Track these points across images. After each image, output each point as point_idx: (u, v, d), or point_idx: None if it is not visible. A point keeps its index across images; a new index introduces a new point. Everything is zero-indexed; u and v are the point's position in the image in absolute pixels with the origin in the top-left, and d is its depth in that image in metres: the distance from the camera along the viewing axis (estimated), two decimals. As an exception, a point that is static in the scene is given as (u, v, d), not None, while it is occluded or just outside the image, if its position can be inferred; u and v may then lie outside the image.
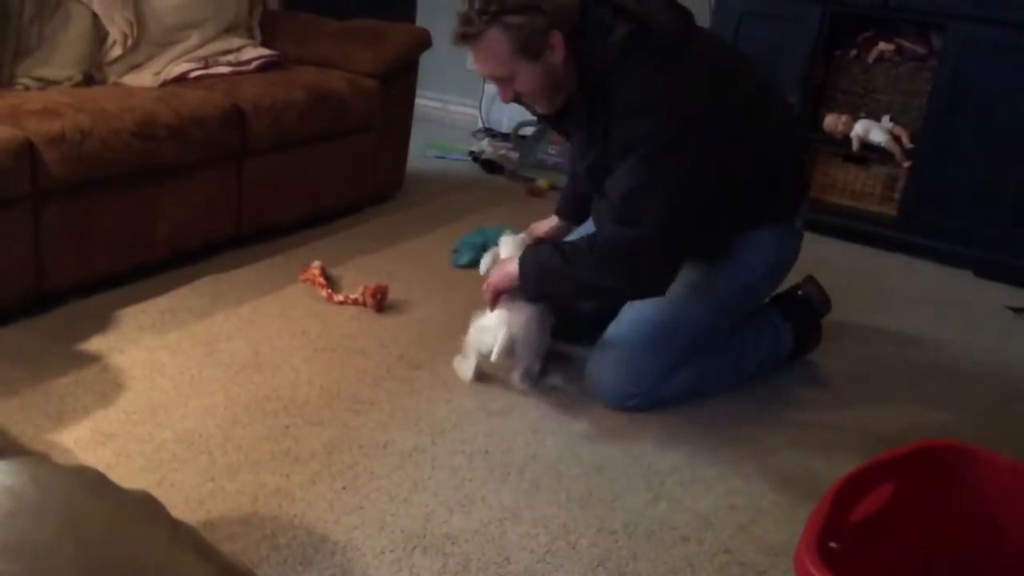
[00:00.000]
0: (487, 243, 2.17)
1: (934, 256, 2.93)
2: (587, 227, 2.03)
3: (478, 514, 1.48)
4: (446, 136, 4.01)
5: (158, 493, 1.12)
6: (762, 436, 1.81)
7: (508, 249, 1.96)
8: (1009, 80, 2.68)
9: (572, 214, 2.13)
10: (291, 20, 3.06)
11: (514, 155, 3.65)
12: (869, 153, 2.99)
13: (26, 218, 1.93)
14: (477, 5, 1.60)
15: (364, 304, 2.20)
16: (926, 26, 2.89)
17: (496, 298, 1.85)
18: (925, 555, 1.25)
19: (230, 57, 2.74)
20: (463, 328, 1.90)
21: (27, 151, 1.89)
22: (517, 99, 1.79)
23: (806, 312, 2.07)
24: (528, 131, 3.69)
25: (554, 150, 3.51)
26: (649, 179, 1.64)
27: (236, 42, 2.81)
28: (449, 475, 1.58)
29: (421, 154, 3.57)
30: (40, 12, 2.41)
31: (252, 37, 2.91)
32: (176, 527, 1.09)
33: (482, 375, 1.91)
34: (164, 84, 2.54)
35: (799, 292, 2.09)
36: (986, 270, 2.84)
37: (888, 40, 2.95)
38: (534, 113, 1.97)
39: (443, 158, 3.71)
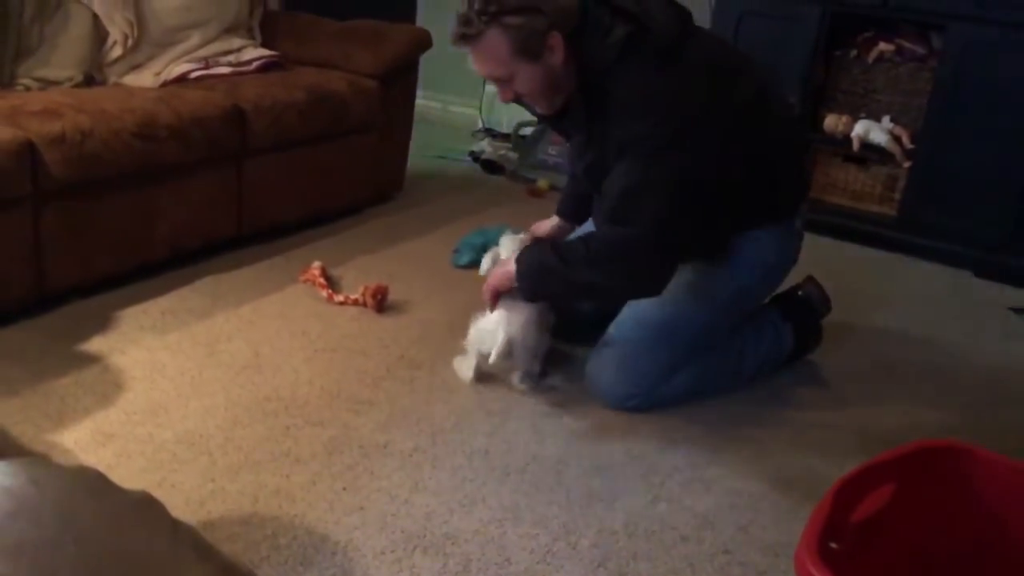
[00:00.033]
0: (487, 243, 2.17)
1: (934, 256, 2.93)
2: (588, 227, 2.03)
3: (478, 514, 1.48)
4: (446, 136, 4.01)
5: (158, 494, 1.12)
6: (762, 436, 1.81)
7: (508, 249, 1.96)
8: (1009, 80, 2.68)
9: (573, 214, 2.13)
10: (291, 21, 3.06)
11: (514, 155, 3.65)
12: (869, 153, 2.98)
13: (27, 219, 1.93)
14: (476, 6, 1.61)
15: (364, 304, 2.20)
16: (926, 26, 2.89)
17: (495, 298, 1.85)
18: (925, 555, 1.25)
19: (230, 58, 2.74)
20: (463, 328, 1.91)
21: (28, 152, 1.89)
22: (517, 99, 1.80)
23: (806, 312, 2.07)
24: (528, 131, 3.69)
25: (554, 150, 3.51)
26: (646, 179, 1.64)
27: (236, 43, 2.81)
28: (449, 475, 1.58)
29: (421, 154, 3.57)
30: (40, 12, 2.42)
31: (252, 38, 2.91)
32: (176, 528, 1.09)
33: (482, 375, 1.91)
34: (164, 84, 2.54)
35: (799, 292, 2.09)
36: (986, 270, 2.84)
37: (888, 40, 2.95)
38: (534, 113, 1.97)
39: (443, 159, 3.71)
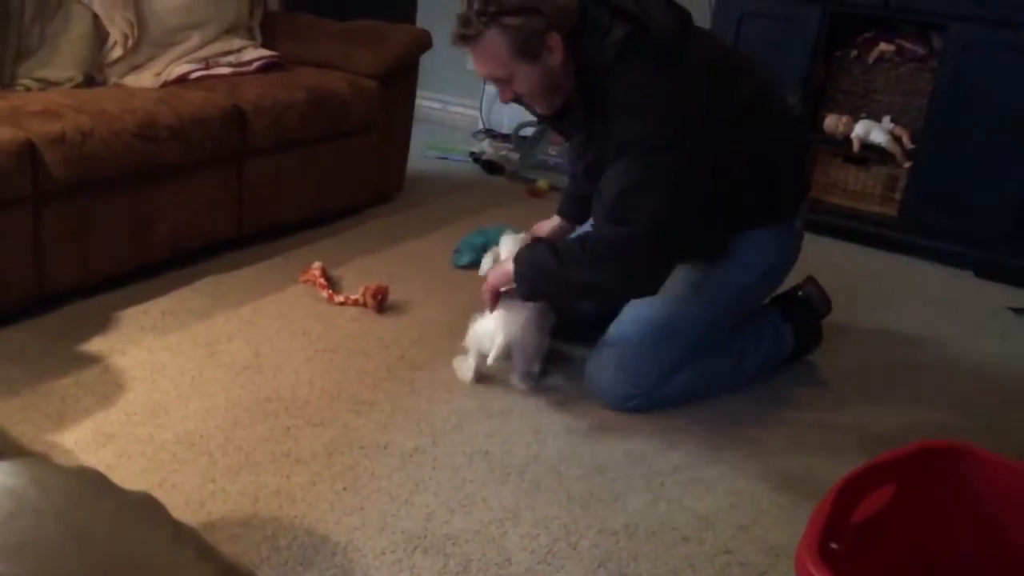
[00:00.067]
0: (488, 244, 2.17)
1: (935, 257, 2.93)
2: (588, 227, 2.03)
3: (479, 515, 1.48)
4: (447, 137, 4.01)
5: (159, 494, 1.12)
6: (763, 436, 1.81)
7: (509, 248, 1.95)
8: (1010, 80, 2.68)
9: (574, 214, 2.13)
10: (291, 21, 3.06)
11: (515, 156, 3.65)
12: (870, 154, 2.98)
13: (27, 219, 1.93)
14: (476, 6, 1.61)
15: (365, 305, 2.20)
16: (926, 27, 2.89)
17: (495, 298, 1.85)
18: (926, 556, 1.25)
19: (231, 58, 2.75)
20: (464, 329, 1.90)
21: (28, 152, 1.89)
22: (516, 99, 1.80)
23: (806, 313, 2.07)
24: (529, 132, 3.69)
25: (555, 151, 3.51)
26: (643, 178, 1.64)
27: (237, 43, 2.81)
28: (450, 476, 1.58)
29: (422, 155, 3.57)
30: (41, 13, 2.42)
31: (253, 38, 2.91)
32: (177, 528, 1.09)
33: (482, 376, 1.91)
34: (165, 85, 2.54)
35: (799, 293, 2.09)
36: (987, 271, 2.84)
37: (888, 41, 2.95)
38: (534, 113, 1.97)
39: (444, 159, 3.71)
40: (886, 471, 1.20)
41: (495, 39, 1.63)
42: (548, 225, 2.16)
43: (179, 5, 2.67)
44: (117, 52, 2.55)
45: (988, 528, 1.24)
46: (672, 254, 1.73)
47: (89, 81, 2.49)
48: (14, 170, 1.86)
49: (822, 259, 2.47)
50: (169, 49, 2.67)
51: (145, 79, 2.55)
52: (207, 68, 2.66)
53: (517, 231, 2.08)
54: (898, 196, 3.00)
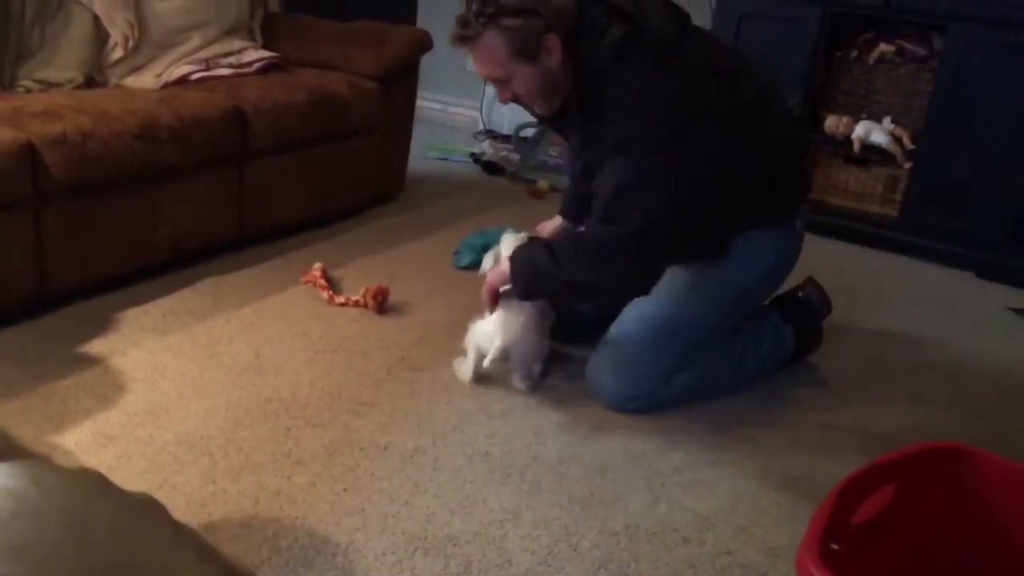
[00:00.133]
0: (488, 245, 2.17)
1: (935, 257, 2.93)
2: (588, 228, 2.03)
3: (479, 516, 1.48)
4: (447, 138, 4.01)
5: (159, 495, 1.12)
6: (763, 437, 1.81)
7: (510, 248, 1.95)
8: (1010, 81, 2.68)
9: (575, 215, 2.13)
10: (292, 22, 3.06)
11: (515, 157, 3.65)
12: (870, 154, 2.98)
13: (27, 220, 1.94)
14: (474, 7, 1.61)
15: (365, 306, 2.20)
16: (927, 27, 2.89)
17: (494, 298, 1.86)
18: (927, 556, 1.25)
19: (231, 59, 2.75)
20: (464, 330, 1.91)
21: (28, 153, 1.89)
22: (515, 100, 1.80)
23: (807, 314, 2.07)
24: (529, 133, 3.69)
25: (555, 151, 3.51)
26: (638, 178, 1.64)
27: (237, 44, 2.81)
28: (450, 477, 1.58)
29: (422, 156, 3.57)
30: (41, 14, 2.42)
31: (253, 39, 2.91)
32: (177, 529, 1.09)
33: (483, 377, 1.90)
34: (165, 86, 2.54)
35: (800, 294, 2.09)
36: (988, 271, 2.84)
37: (889, 41, 2.95)
38: (533, 114, 1.98)
39: (444, 160, 3.71)
40: (887, 472, 1.20)
41: (493, 40, 1.63)
42: (550, 226, 2.16)
43: (180, 6, 2.67)
44: (118, 53, 2.55)
45: (988, 528, 1.24)
46: (665, 254, 1.73)
47: (90, 82, 2.49)
48: (15, 171, 1.86)
49: (823, 260, 2.47)
50: (170, 50, 2.67)
51: (146, 80, 2.56)
52: (208, 69, 2.66)
53: (518, 231, 2.08)
54: (899, 197, 3.00)
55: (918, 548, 1.24)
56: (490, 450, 1.68)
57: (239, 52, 2.79)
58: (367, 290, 2.20)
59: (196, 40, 2.71)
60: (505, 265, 1.83)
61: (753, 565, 1.43)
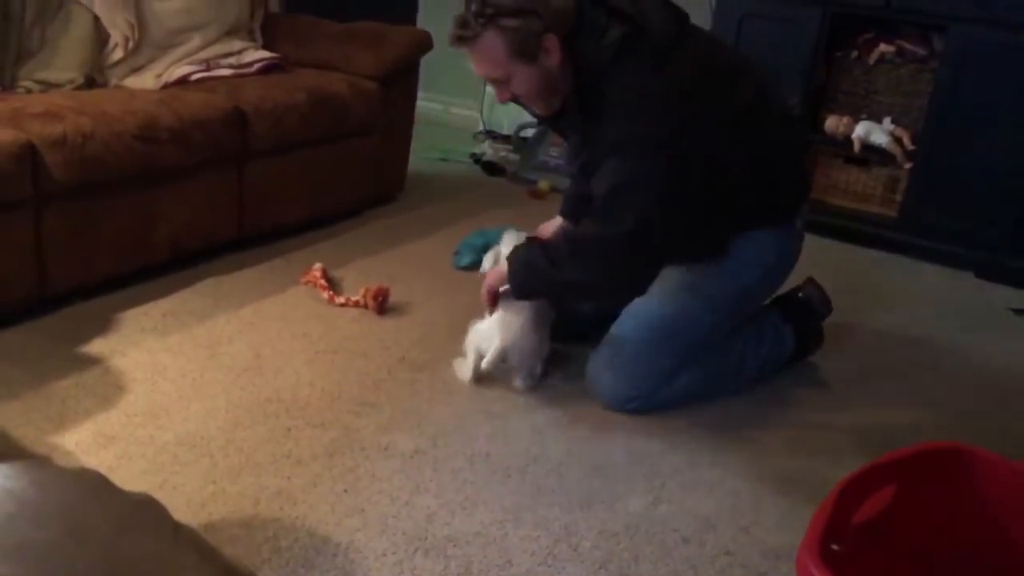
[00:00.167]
0: (488, 245, 2.17)
1: (935, 258, 2.93)
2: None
3: (479, 516, 1.48)
4: (447, 138, 4.01)
5: (160, 496, 1.12)
6: (763, 438, 1.81)
7: (510, 248, 1.95)
8: (1010, 81, 2.68)
9: (575, 215, 2.13)
10: (292, 23, 3.06)
11: (515, 157, 3.65)
12: (870, 155, 2.99)
13: (28, 221, 1.94)
14: (473, 8, 1.62)
15: (365, 306, 2.20)
16: (927, 27, 2.89)
17: (493, 298, 1.86)
18: (927, 556, 1.25)
19: (231, 60, 2.75)
20: (464, 330, 1.90)
21: (29, 154, 1.89)
22: (514, 100, 1.80)
23: (807, 314, 2.07)
24: (529, 133, 3.69)
25: (555, 152, 3.51)
26: (634, 178, 1.64)
27: (237, 45, 2.81)
28: (450, 477, 1.58)
29: (422, 156, 3.57)
30: (42, 15, 2.42)
31: (253, 40, 2.91)
32: (178, 530, 1.09)
33: (482, 377, 1.90)
34: (166, 87, 2.54)
35: (800, 294, 2.08)
36: (988, 272, 2.84)
37: (889, 41, 2.95)
38: (532, 114, 1.98)
39: (444, 160, 3.71)
40: (887, 472, 1.20)
41: (492, 40, 1.64)
42: (552, 226, 2.16)
43: (180, 7, 2.67)
44: (118, 54, 2.55)
45: (989, 528, 1.24)
46: (660, 253, 1.74)
47: (90, 83, 2.49)
48: (15, 172, 1.86)
49: (823, 260, 2.47)
50: (170, 51, 2.67)
51: (146, 81, 2.56)
52: (208, 70, 2.66)
53: (519, 231, 2.08)
54: (899, 197, 3.00)
55: (918, 548, 1.24)
56: (490, 450, 1.68)
57: (239, 52, 2.79)
58: (367, 290, 2.20)
59: (196, 41, 2.71)
60: (504, 265, 1.83)
61: (753, 566, 1.43)
